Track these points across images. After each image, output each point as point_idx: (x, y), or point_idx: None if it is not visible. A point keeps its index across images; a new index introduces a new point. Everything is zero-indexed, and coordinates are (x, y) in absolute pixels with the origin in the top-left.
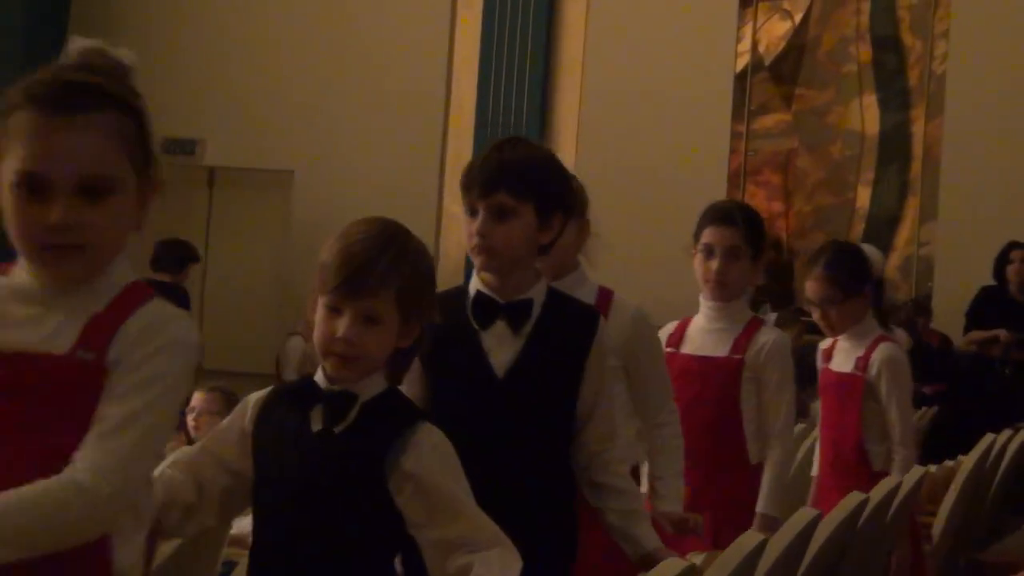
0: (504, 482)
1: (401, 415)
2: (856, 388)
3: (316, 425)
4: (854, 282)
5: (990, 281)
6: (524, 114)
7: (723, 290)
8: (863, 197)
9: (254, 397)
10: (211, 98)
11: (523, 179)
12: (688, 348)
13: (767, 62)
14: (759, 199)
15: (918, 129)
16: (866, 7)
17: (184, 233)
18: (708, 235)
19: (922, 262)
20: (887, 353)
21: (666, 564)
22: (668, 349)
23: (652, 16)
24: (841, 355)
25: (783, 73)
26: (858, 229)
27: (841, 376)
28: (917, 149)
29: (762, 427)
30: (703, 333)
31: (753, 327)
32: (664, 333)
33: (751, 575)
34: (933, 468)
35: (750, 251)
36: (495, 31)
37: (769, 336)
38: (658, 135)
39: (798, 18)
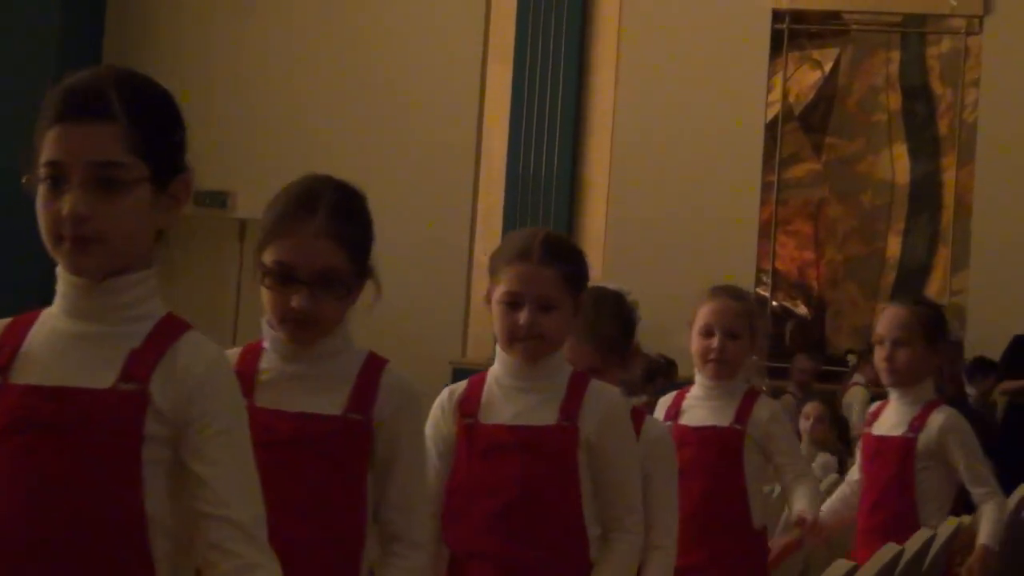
0: None
1: None
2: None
3: None
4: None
5: (1022, 330)
6: (555, 167)
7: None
8: (894, 246)
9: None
10: (242, 151)
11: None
12: None
13: (797, 111)
14: (790, 248)
15: (948, 178)
16: (896, 56)
17: (215, 285)
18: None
19: (954, 311)
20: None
21: None
22: None
23: (682, 67)
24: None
25: (813, 122)
26: (889, 279)
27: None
28: (948, 198)
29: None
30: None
31: None
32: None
33: None
34: (967, 519)
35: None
36: (526, 84)
37: None
38: (689, 185)
39: (828, 67)
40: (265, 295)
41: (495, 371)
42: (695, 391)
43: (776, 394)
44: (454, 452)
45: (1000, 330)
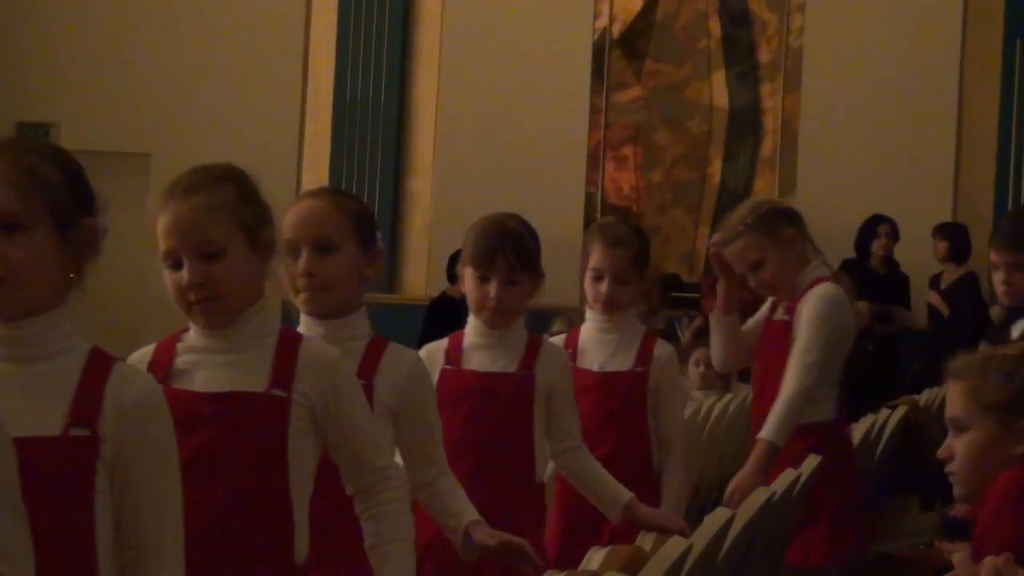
0: None
1: None
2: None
3: None
4: None
5: (850, 254)
6: (382, 93)
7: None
8: (717, 172)
9: None
10: (65, 80)
11: None
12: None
13: (626, 36)
14: (617, 174)
15: (774, 104)
16: None
17: None
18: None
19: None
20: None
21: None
22: None
23: None
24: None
25: (639, 47)
26: (710, 204)
27: None
28: (773, 124)
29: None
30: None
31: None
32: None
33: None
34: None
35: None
36: (351, 8)
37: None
38: (517, 110)
39: None
40: None
41: None
42: None
43: None
44: None
45: (828, 253)
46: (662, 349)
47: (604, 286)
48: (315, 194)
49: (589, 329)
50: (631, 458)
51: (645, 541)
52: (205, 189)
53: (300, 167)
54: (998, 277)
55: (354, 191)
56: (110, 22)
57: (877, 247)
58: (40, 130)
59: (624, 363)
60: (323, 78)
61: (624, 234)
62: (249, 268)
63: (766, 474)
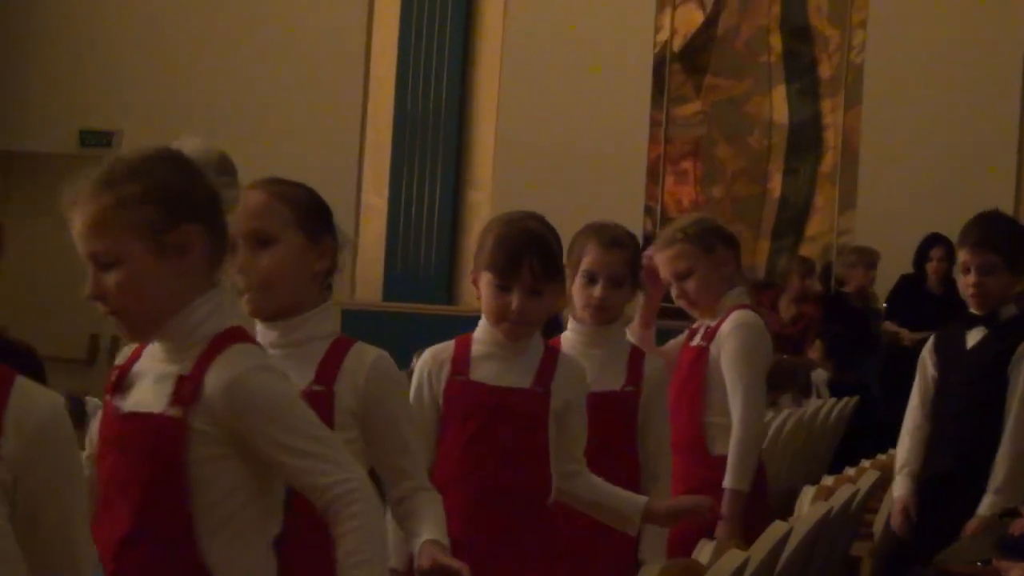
0: None
1: None
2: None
3: None
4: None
5: (910, 269)
6: (443, 100)
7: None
8: (778, 187)
9: None
10: (127, 88)
11: None
12: None
13: (686, 51)
14: (677, 188)
15: (835, 119)
16: None
17: None
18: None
19: (842, 251)
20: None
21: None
22: None
23: (570, 1)
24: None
25: (699, 62)
26: (771, 219)
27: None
28: (833, 139)
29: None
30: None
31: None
32: None
33: None
34: (867, 463)
35: None
36: (413, 15)
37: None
38: (578, 122)
39: (714, 7)
40: None
41: None
42: None
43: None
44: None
45: (888, 268)
46: (653, 366)
47: (597, 290)
48: (254, 184)
49: (572, 342)
50: (621, 480)
51: (702, 554)
52: (101, 190)
53: (360, 179)
54: (967, 279)
55: (414, 203)
56: (172, 32)
57: (931, 270)
58: (103, 138)
59: (615, 381)
60: (384, 90)
61: (621, 235)
62: (153, 275)
63: (743, 519)
